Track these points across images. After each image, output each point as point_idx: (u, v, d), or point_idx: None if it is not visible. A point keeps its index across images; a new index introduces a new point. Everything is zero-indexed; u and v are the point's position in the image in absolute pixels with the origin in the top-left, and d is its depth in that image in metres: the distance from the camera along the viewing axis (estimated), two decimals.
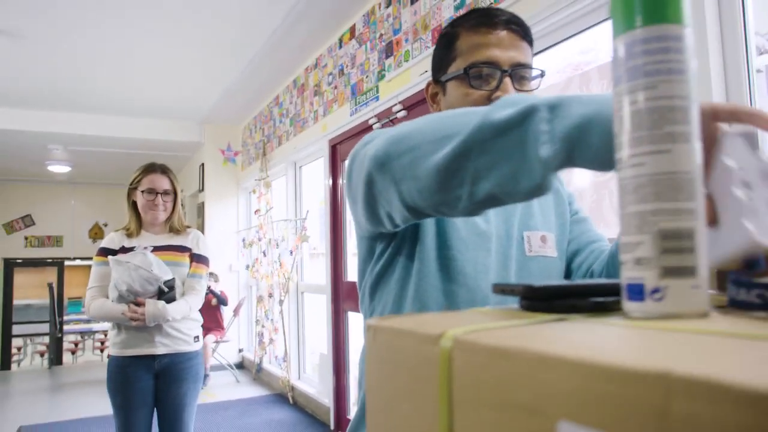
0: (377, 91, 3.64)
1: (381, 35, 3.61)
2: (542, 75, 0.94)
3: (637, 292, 0.39)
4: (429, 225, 0.91)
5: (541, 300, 0.45)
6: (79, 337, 10.83)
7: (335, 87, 4.29)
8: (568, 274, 1.01)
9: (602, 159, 0.50)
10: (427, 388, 0.38)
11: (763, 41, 1.72)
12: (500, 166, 0.56)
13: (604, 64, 2.18)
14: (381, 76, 3.60)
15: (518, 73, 0.91)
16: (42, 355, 9.53)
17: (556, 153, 0.52)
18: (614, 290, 0.44)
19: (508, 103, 0.57)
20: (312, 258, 5.42)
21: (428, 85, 1.04)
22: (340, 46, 4.22)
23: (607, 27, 1.98)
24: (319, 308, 5.06)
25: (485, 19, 0.93)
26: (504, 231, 0.94)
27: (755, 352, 0.27)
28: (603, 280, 0.48)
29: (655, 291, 0.38)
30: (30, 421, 4.76)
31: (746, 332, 0.32)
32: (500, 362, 0.31)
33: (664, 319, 0.38)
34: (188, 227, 2.43)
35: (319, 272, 4.99)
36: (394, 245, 0.93)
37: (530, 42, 0.95)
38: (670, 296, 0.38)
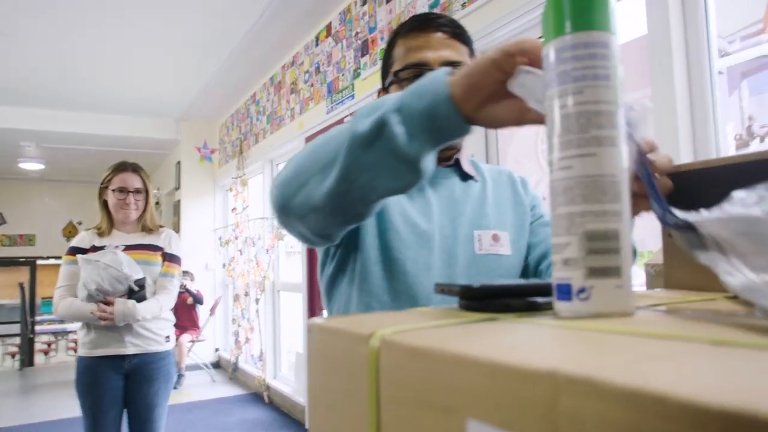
0: (353, 89, 3.64)
1: (357, 33, 3.61)
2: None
3: (565, 291, 0.40)
4: (370, 227, 0.94)
5: (477, 299, 0.46)
6: (52, 338, 10.64)
7: (311, 85, 4.28)
8: (536, 276, 1.02)
9: (456, 130, 0.59)
10: (359, 387, 0.39)
11: (724, 44, 1.75)
12: (381, 176, 0.64)
13: None
14: (357, 75, 3.60)
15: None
16: (13, 356, 9.35)
17: (420, 144, 0.60)
18: (548, 291, 0.45)
19: (365, 112, 0.64)
20: (288, 256, 5.40)
21: (378, 93, 1.08)
22: (317, 44, 4.21)
23: None
24: (295, 307, 5.05)
25: (418, 24, 0.96)
26: (450, 230, 0.96)
27: (650, 348, 0.28)
28: (542, 281, 0.49)
29: (581, 291, 0.40)
30: (0, 423, 4.68)
31: (655, 331, 0.33)
32: (420, 362, 0.32)
33: (591, 319, 0.39)
34: (161, 226, 2.41)
35: (295, 270, 4.98)
36: (342, 248, 0.97)
37: (465, 42, 0.97)
38: (595, 296, 0.39)
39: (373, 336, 0.38)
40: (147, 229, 2.35)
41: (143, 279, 2.22)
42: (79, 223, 9.58)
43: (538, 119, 0.55)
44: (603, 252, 0.40)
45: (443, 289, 0.49)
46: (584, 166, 0.41)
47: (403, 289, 0.92)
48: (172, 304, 2.31)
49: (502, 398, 0.26)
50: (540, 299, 0.45)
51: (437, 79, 0.59)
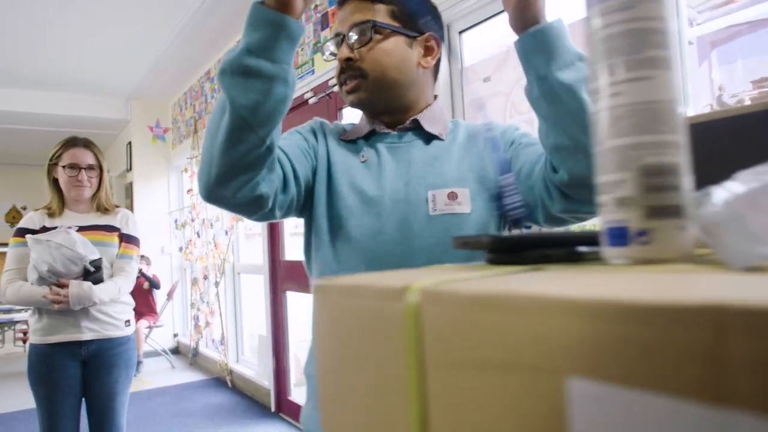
0: (313, 65, 3.54)
1: (316, 6, 3.49)
2: (374, 25, 0.95)
3: (620, 235, 0.36)
4: (320, 197, 0.97)
5: (510, 252, 0.41)
6: None
7: None
8: (531, 193, 0.91)
9: (264, 18, 0.79)
10: (391, 351, 0.33)
11: (694, 13, 1.75)
12: (242, 93, 0.78)
13: None
14: (317, 49, 3.49)
15: (353, 33, 0.96)
16: None
17: (248, 48, 0.79)
18: (589, 240, 0.40)
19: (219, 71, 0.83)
20: (248, 238, 5.27)
21: None
22: None
23: None
24: (256, 289, 4.95)
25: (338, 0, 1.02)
26: (403, 194, 0.94)
27: None
28: (575, 232, 0.44)
29: (642, 234, 0.35)
30: None
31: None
32: (485, 312, 0.27)
33: (651, 264, 0.34)
34: (117, 206, 2.27)
35: (256, 252, 4.87)
36: (305, 221, 1.02)
37: (389, 2, 0.97)
38: (657, 239, 0.35)
39: (409, 289, 0.32)
40: (102, 209, 2.21)
41: (99, 260, 2.09)
42: (23, 208, 9.15)
43: None
44: (663, 189, 0.35)
45: (467, 242, 0.44)
46: (638, 92, 0.36)
47: (351, 254, 0.92)
48: (131, 287, 2.20)
49: (620, 346, 0.20)
50: (583, 248, 0.40)
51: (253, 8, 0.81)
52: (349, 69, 0.96)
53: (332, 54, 1.03)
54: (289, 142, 0.98)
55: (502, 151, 0.95)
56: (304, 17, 3.63)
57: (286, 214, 0.95)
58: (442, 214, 0.92)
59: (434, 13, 1.03)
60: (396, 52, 0.96)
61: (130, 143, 6.59)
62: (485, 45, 2.59)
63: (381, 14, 0.96)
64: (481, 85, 2.44)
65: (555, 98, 0.78)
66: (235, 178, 0.80)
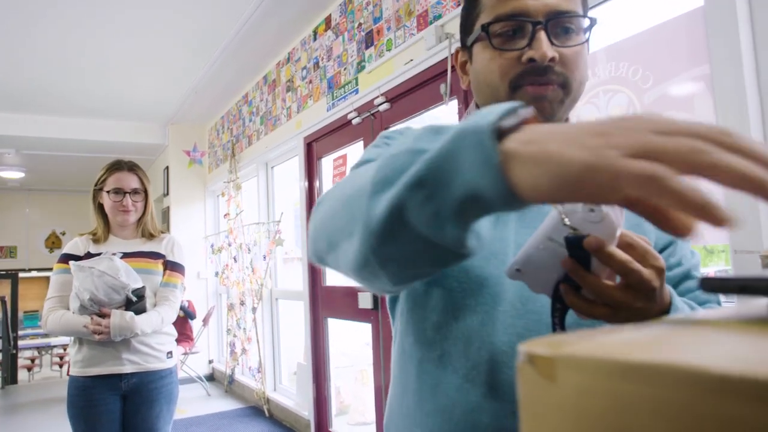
0: (356, 84, 3.44)
1: (360, 24, 3.41)
2: (592, 24, 0.73)
3: None
4: None
5: None
6: (35, 353, 10.26)
7: (310, 81, 4.07)
8: None
9: (507, 207, 0.41)
10: None
11: None
12: (411, 265, 0.50)
13: (613, 44, 2.02)
14: (361, 68, 3.39)
15: (557, 23, 0.70)
16: None
17: (456, 230, 0.44)
18: None
19: (379, 180, 0.49)
20: (286, 263, 5.17)
21: (456, 52, 0.85)
22: (315, 39, 4.01)
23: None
24: (294, 315, 4.82)
25: None
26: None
27: None
28: None
29: None
30: None
31: None
32: None
33: None
34: (162, 232, 2.18)
35: (294, 277, 4.76)
36: None
37: None
38: None
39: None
40: (147, 235, 2.12)
41: (143, 288, 1.98)
42: (63, 234, 9.25)
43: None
44: None
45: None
46: None
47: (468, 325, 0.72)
48: (174, 317, 2.08)
49: None
50: None
51: (483, 146, 0.40)
52: (548, 72, 0.70)
53: (500, 46, 0.72)
54: None
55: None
56: (347, 36, 3.55)
57: None
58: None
59: None
60: (587, 58, 0.75)
61: (167, 168, 6.60)
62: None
63: (577, 4, 0.72)
64: None
65: None
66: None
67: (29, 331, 11.08)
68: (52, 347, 10.50)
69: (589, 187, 0.35)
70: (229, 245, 5.67)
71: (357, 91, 3.42)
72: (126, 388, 2.01)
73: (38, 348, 10.42)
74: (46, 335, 10.93)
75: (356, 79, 3.44)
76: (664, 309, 0.59)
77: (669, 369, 0.21)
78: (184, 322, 5.66)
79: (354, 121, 3.44)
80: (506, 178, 0.39)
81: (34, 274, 9.84)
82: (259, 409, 4.90)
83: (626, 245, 0.54)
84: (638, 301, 0.54)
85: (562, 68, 0.70)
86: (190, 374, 5.88)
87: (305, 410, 4.11)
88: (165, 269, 2.11)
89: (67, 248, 2.06)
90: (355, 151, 3.61)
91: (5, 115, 5.85)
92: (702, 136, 0.33)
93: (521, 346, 0.28)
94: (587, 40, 0.74)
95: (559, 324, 0.59)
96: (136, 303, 1.95)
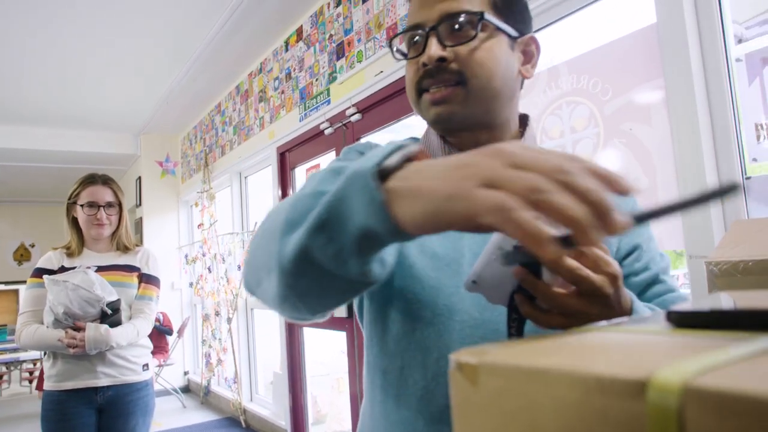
0: (328, 94, 3.48)
1: (331, 36, 3.46)
2: (481, 18, 0.72)
3: None
4: None
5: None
6: (3, 368, 10.01)
7: (282, 92, 4.10)
8: None
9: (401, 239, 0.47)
10: None
11: (741, 30, 1.67)
12: (321, 296, 0.56)
13: (574, 58, 2.10)
14: (332, 79, 3.44)
15: (449, 26, 0.72)
16: None
17: (358, 264, 0.49)
18: None
19: (288, 222, 0.54)
20: None
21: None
22: (287, 49, 4.04)
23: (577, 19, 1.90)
24: (269, 325, 4.83)
25: None
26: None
27: None
28: None
29: None
30: None
31: None
32: None
33: None
34: (137, 245, 2.19)
35: None
36: None
37: None
38: None
39: (654, 383, 0.22)
40: (122, 248, 2.13)
41: (118, 301, 1.99)
42: (32, 246, 9.08)
43: None
44: None
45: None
46: None
47: (423, 335, 0.75)
48: (150, 329, 2.09)
49: None
50: None
51: (368, 187, 0.45)
52: (440, 72, 0.73)
53: (401, 53, 0.78)
54: None
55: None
56: (318, 47, 3.59)
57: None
58: None
59: (529, 10, 0.81)
60: (501, 55, 0.74)
61: (139, 178, 6.55)
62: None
63: (480, 4, 0.73)
64: None
65: None
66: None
67: None
68: (21, 362, 10.24)
69: (451, 216, 0.40)
70: (204, 255, 5.65)
71: (329, 102, 3.47)
72: (101, 401, 2.01)
73: (7, 363, 10.17)
74: (15, 350, 10.67)
75: (328, 89, 3.49)
76: (625, 315, 0.58)
77: (561, 373, 0.26)
78: (159, 333, 5.61)
79: (326, 132, 3.48)
80: (391, 214, 0.44)
81: (1, 287, 9.63)
82: (235, 420, 4.88)
83: (577, 253, 0.53)
84: (593, 308, 0.54)
85: (458, 65, 0.72)
86: (165, 386, 5.83)
87: (282, 420, 4.11)
88: (140, 282, 2.12)
89: (41, 262, 2.06)
90: (327, 161, 3.65)
91: None
92: (546, 172, 0.38)
93: (452, 356, 0.33)
94: (475, 36, 0.73)
95: (516, 334, 0.59)
96: (111, 316, 1.96)
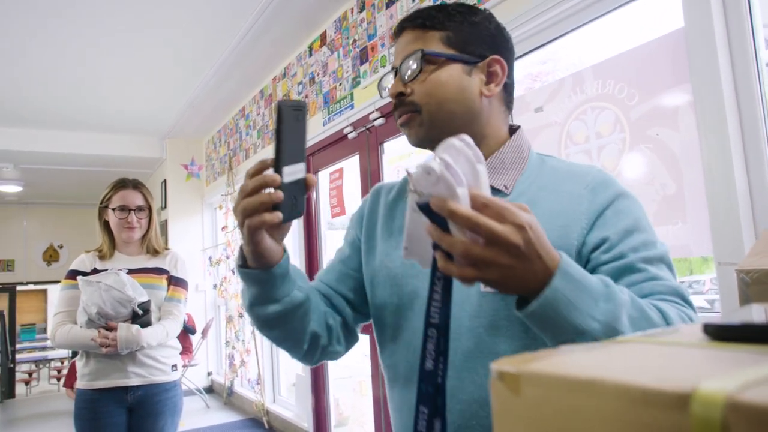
0: (352, 99, 3.51)
1: (354, 41, 3.49)
2: (423, 56, 0.85)
3: None
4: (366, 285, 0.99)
5: None
6: (33, 366, 10.24)
7: (306, 96, 4.14)
8: None
9: (254, 275, 0.85)
10: None
11: None
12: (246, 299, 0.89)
13: (600, 63, 2.09)
14: (356, 83, 3.47)
15: (406, 65, 0.88)
16: None
17: (246, 286, 0.88)
18: None
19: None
20: None
21: None
22: (311, 54, 4.08)
23: (585, 32, 1.90)
24: None
25: (395, 31, 0.93)
26: None
27: None
28: None
29: None
30: None
31: None
32: None
33: None
34: (167, 248, 2.24)
35: None
36: None
37: (438, 27, 0.87)
38: None
39: (698, 395, 0.23)
40: (152, 251, 2.18)
41: (148, 302, 2.04)
42: (60, 247, 9.28)
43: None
44: None
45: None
46: None
47: (397, 348, 0.91)
48: (179, 330, 2.14)
49: None
50: None
51: (241, 272, 0.84)
52: (401, 105, 0.88)
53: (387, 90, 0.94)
54: (330, 267, 1.01)
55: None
56: (342, 52, 3.63)
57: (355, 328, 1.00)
58: (495, 293, 0.78)
59: (500, 34, 0.90)
60: (451, 81, 0.85)
61: (165, 181, 6.66)
62: (538, 74, 2.52)
63: (434, 42, 0.86)
64: (533, 115, 2.37)
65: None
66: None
67: (26, 344, 11.07)
68: (49, 360, 10.48)
69: (248, 232, 0.74)
70: (227, 258, 5.72)
71: (352, 106, 3.49)
72: (132, 400, 2.05)
73: (36, 361, 10.41)
74: (43, 348, 10.92)
75: (351, 94, 3.51)
76: (550, 271, 0.60)
77: (606, 384, 0.27)
78: (183, 334, 5.69)
79: (350, 136, 3.51)
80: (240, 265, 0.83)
81: (30, 287, 9.85)
82: (258, 421, 4.93)
83: (482, 205, 0.57)
84: (501, 257, 0.57)
85: (414, 97, 0.87)
86: (189, 386, 5.91)
87: (305, 422, 4.14)
88: (169, 284, 2.16)
89: (75, 264, 2.12)
90: (350, 165, 3.67)
91: (4, 130, 5.91)
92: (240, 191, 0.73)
93: (493, 365, 0.34)
94: (419, 69, 0.86)
95: (442, 292, 0.61)
96: (141, 316, 2.01)
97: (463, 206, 0.56)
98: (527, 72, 2.55)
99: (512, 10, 2.35)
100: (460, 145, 0.59)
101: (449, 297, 0.62)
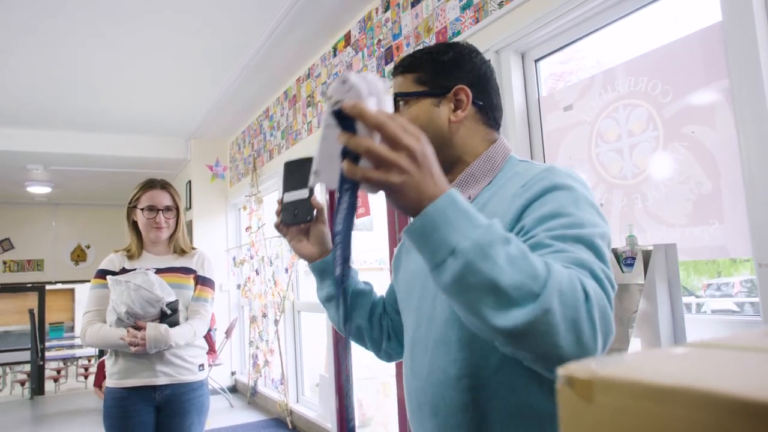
0: None
1: (379, 41, 3.47)
2: (395, 98, 0.97)
3: None
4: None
5: None
6: (61, 364, 10.43)
7: (330, 97, 4.13)
8: None
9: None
10: None
11: None
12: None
13: (632, 59, 2.05)
14: None
15: (397, 105, 0.98)
16: (23, 384, 9.15)
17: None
18: None
19: None
20: (308, 275, 5.22)
21: None
22: (335, 55, 4.08)
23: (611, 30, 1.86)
24: (316, 327, 4.87)
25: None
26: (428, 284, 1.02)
27: None
28: None
29: None
30: None
31: None
32: None
33: None
34: (194, 248, 2.25)
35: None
36: None
37: (415, 69, 0.98)
38: None
39: None
40: (179, 251, 2.19)
41: (176, 302, 2.05)
42: (88, 247, 9.43)
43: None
44: None
45: None
46: None
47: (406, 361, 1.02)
48: (206, 330, 2.14)
49: None
50: None
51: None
52: None
53: None
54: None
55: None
56: (366, 52, 3.61)
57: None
58: None
59: (465, 62, 0.98)
60: (422, 114, 0.96)
61: (189, 182, 6.72)
62: (566, 72, 2.48)
63: (407, 83, 0.97)
64: (561, 114, 2.33)
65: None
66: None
67: (55, 342, 11.28)
68: (77, 359, 10.67)
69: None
70: (251, 258, 5.75)
71: None
72: (160, 399, 2.06)
73: (64, 359, 10.61)
74: (71, 347, 11.12)
75: None
76: (439, 188, 0.66)
77: (697, 392, 0.25)
78: (206, 333, 5.74)
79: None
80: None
81: (58, 286, 10.02)
82: (282, 421, 4.94)
83: (388, 116, 0.64)
84: (402, 159, 0.63)
85: None
86: (213, 386, 5.95)
87: (328, 422, 4.14)
88: (196, 284, 2.17)
89: (104, 264, 2.13)
90: None
91: (34, 132, 6.02)
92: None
93: (560, 369, 0.32)
94: (414, 101, 0.97)
95: (347, 202, 0.69)
96: (170, 316, 2.02)
97: (369, 108, 0.64)
98: (550, 72, 2.51)
99: (537, 10, 2.31)
100: (372, 76, 0.68)
101: (354, 207, 0.70)
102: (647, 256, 1.64)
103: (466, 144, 0.97)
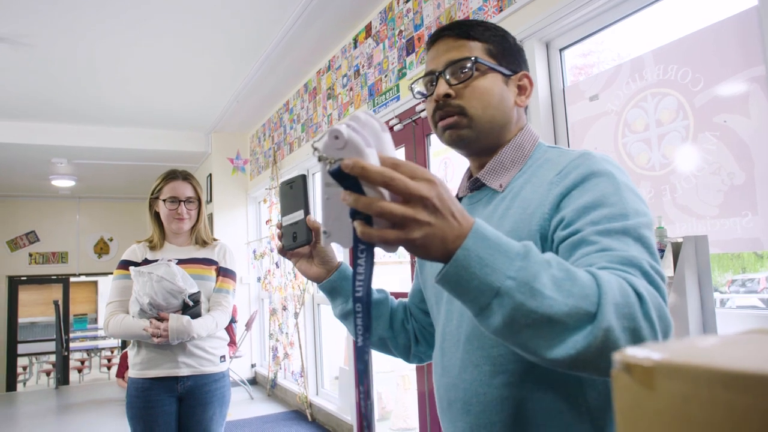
0: (398, 90, 3.47)
1: (401, 32, 3.44)
2: (475, 62, 0.91)
3: None
4: None
5: None
6: (85, 355, 10.62)
7: (350, 89, 4.12)
8: None
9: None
10: None
11: None
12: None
13: (661, 47, 2.00)
14: (402, 75, 3.42)
15: (453, 70, 0.92)
16: (48, 374, 9.33)
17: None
18: None
19: None
20: None
21: None
22: (355, 46, 4.06)
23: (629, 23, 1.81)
24: (336, 321, 4.87)
25: (430, 40, 0.98)
26: None
27: None
28: None
29: None
30: None
31: None
32: None
33: None
34: (215, 239, 2.25)
35: None
36: None
37: (477, 38, 0.94)
38: None
39: None
40: (200, 242, 2.19)
41: (198, 293, 2.05)
42: (110, 240, 9.55)
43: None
44: None
45: None
46: None
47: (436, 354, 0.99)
48: (227, 321, 2.14)
49: None
50: None
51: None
52: (446, 106, 0.92)
53: (421, 93, 0.98)
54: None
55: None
56: (387, 43, 3.59)
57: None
58: None
59: (522, 52, 1.00)
60: (495, 89, 0.92)
61: (210, 175, 6.76)
62: (587, 65, 2.43)
63: (478, 51, 0.93)
64: (587, 104, 2.28)
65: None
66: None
67: (79, 333, 11.48)
68: (100, 350, 10.85)
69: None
70: (271, 251, 5.76)
71: (398, 98, 3.45)
72: (182, 390, 2.07)
73: (87, 350, 10.79)
74: (94, 338, 11.30)
75: (397, 86, 3.47)
76: (465, 229, 0.60)
77: None
78: (227, 326, 5.78)
79: (396, 128, 3.47)
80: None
81: (82, 278, 10.18)
82: (301, 413, 4.96)
83: (392, 165, 0.57)
84: (419, 213, 0.57)
85: (459, 100, 0.91)
86: (233, 377, 6.00)
87: (348, 415, 4.14)
88: (218, 275, 2.17)
89: (126, 255, 2.14)
90: (397, 157, 3.63)
91: (58, 126, 6.10)
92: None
93: (617, 355, 0.29)
94: (471, 75, 0.91)
95: (365, 266, 0.61)
96: (192, 307, 2.02)
97: (372, 164, 0.56)
98: (572, 65, 2.46)
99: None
100: (365, 116, 0.60)
101: (372, 269, 0.61)
102: (677, 248, 1.59)
103: (513, 130, 0.97)
